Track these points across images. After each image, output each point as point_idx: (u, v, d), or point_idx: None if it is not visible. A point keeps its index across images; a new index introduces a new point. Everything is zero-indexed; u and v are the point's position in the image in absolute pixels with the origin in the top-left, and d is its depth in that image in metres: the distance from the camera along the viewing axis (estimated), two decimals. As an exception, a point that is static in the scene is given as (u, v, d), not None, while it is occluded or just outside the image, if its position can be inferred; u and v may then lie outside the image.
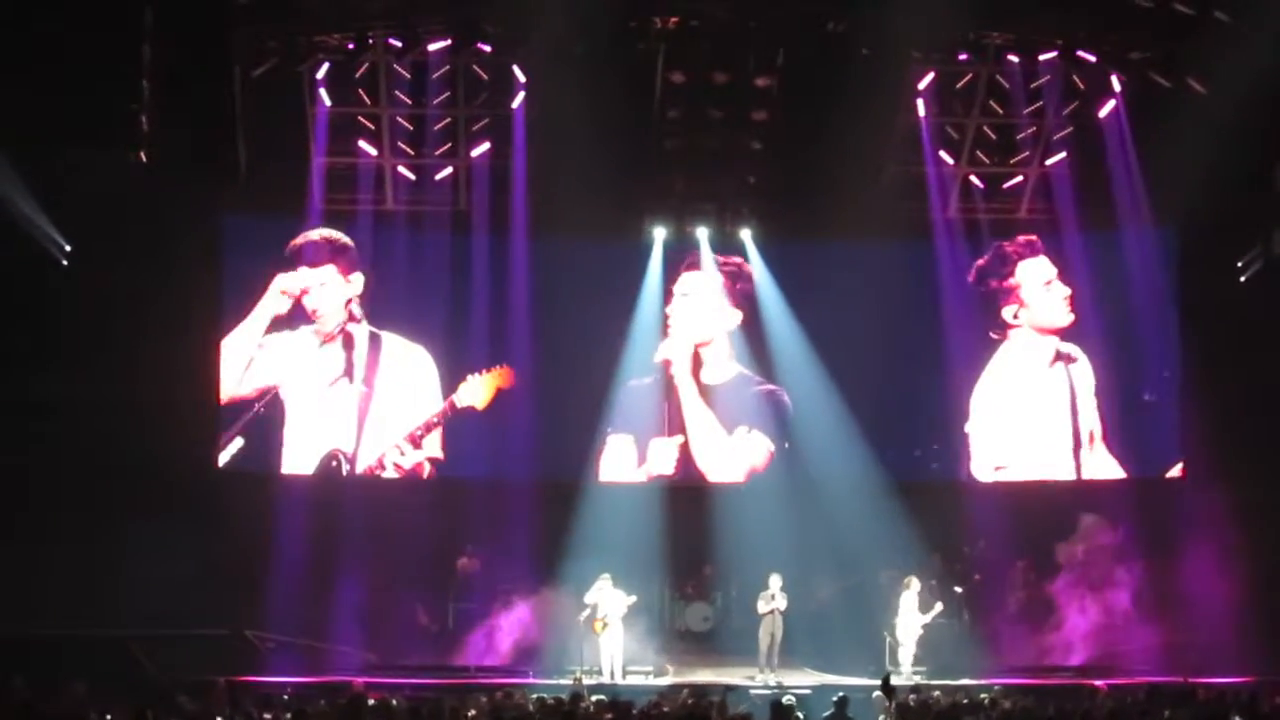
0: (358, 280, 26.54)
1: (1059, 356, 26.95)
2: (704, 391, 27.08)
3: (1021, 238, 27.02)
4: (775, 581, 24.02)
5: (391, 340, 26.60)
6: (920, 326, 26.68)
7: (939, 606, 23.95)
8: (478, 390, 26.64)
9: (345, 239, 26.51)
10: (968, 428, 26.91)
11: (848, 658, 24.31)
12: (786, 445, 26.74)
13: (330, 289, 26.46)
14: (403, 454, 26.51)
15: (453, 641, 25.17)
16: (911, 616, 23.97)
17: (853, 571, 25.49)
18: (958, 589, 24.86)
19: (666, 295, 27.10)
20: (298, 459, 26.37)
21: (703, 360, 27.17)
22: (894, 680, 18.16)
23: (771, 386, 26.90)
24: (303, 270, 26.37)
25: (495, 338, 26.73)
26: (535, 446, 26.45)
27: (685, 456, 26.92)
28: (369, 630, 24.63)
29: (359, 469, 26.45)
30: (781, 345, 26.88)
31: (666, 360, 27.04)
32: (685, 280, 27.24)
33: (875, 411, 26.46)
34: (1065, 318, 26.86)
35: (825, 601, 25.48)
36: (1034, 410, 27.00)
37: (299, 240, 26.33)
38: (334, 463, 26.32)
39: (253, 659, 23.50)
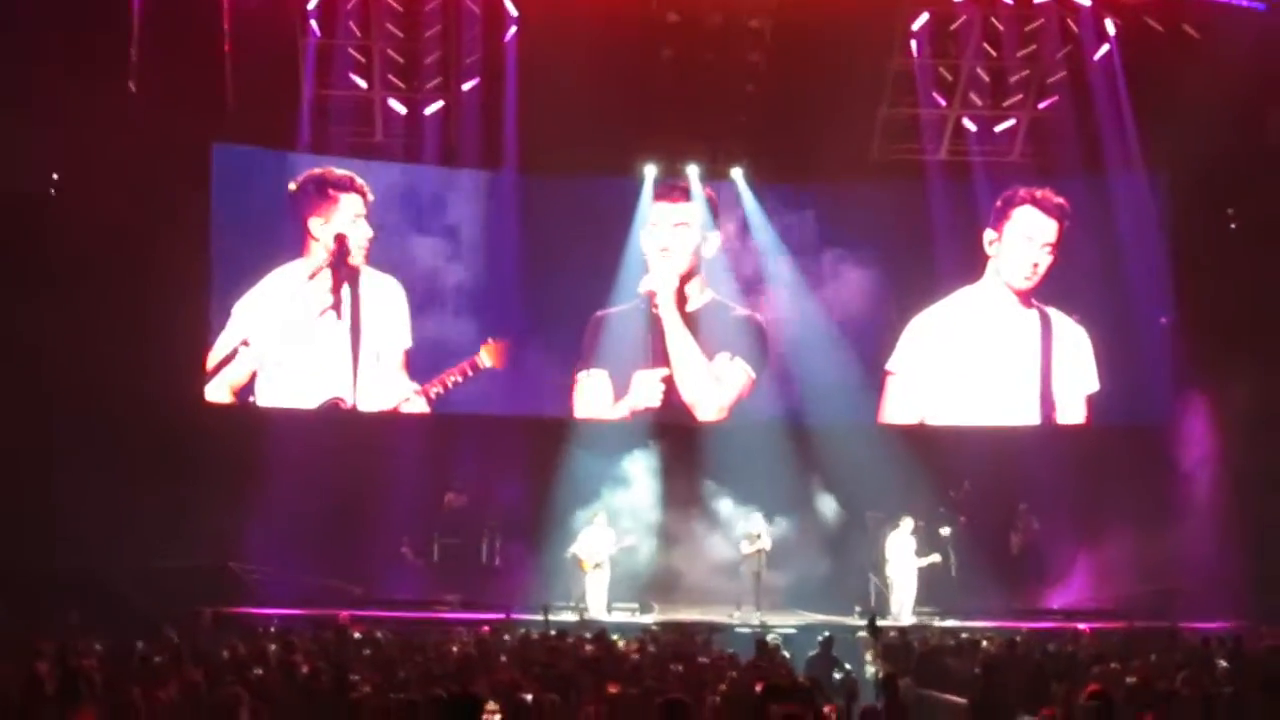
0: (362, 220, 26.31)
1: (1028, 309, 26.89)
2: (687, 320, 26.90)
3: (1025, 190, 26.87)
4: (757, 520, 24.05)
5: (368, 273, 26.31)
6: (910, 269, 26.63)
7: (936, 557, 23.92)
8: (495, 352, 26.49)
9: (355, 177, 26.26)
10: (890, 365, 26.90)
11: (832, 598, 24.35)
12: (766, 371, 26.68)
13: (355, 226, 26.27)
14: (408, 401, 26.34)
15: (438, 576, 25.11)
16: (905, 559, 23.86)
17: (838, 510, 25.58)
18: (944, 531, 24.70)
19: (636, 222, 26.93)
20: (287, 393, 26.08)
21: (685, 290, 26.97)
22: (882, 622, 18.08)
23: (747, 311, 26.84)
24: (333, 205, 26.15)
25: (483, 275, 26.58)
26: (525, 384, 26.45)
27: (670, 388, 26.69)
28: (355, 564, 24.55)
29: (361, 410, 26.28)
30: (766, 277, 26.95)
31: (650, 292, 26.78)
32: (661, 210, 27.00)
33: (858, 349, 26.59)
34: (1028, 279, 26.76)
35: (810, 540, 25.39)
36: (996, 358, 26.96)
37: (317, 173, 26.11)
38: (335, 409, 26.12)
39: (239, 591, 23.43)
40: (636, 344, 26.70)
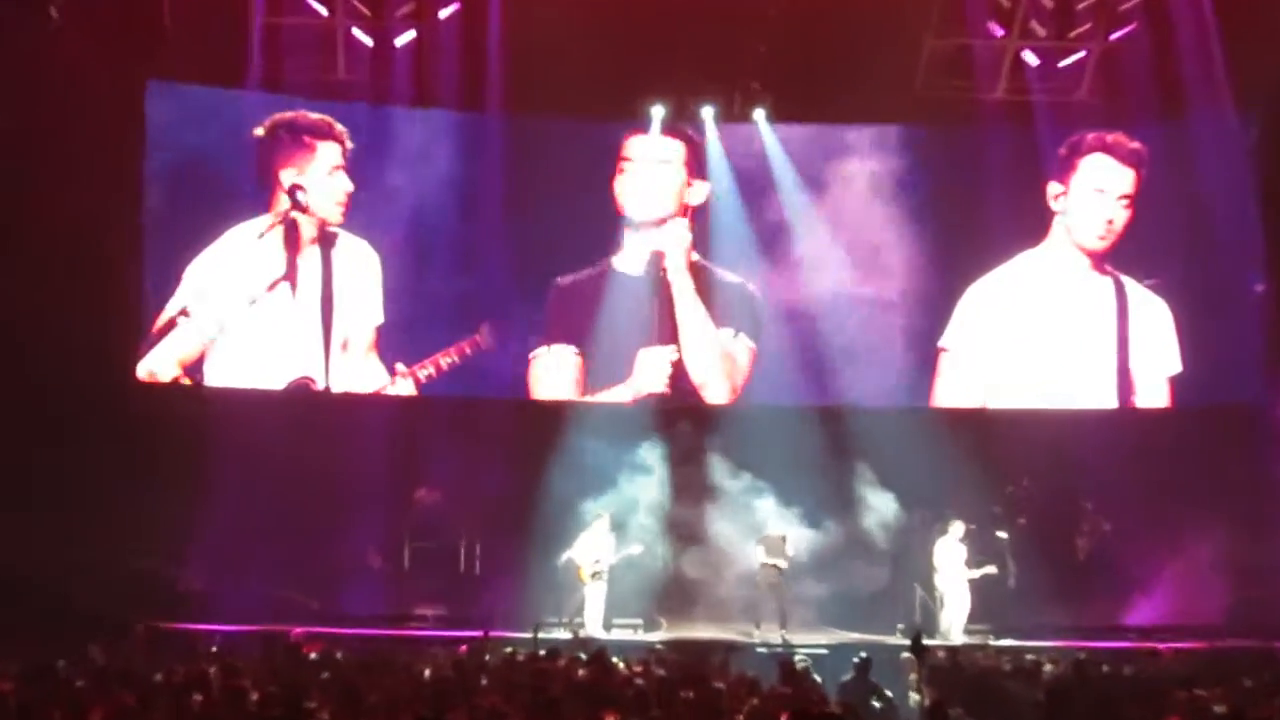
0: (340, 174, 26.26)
1: (1101, 277, 26.82)
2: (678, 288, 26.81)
3: (1095, 135, 26.73)
4: (776, 529, 24.03)
5: (344, 236, 26.27)
6: (962, 228, 26.56)
7: (992, 567, 23.76)
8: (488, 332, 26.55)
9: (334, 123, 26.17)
10: (943, 342, 26.85)
11: (870, 613, 24.40)
12: (780, 348, 26.76)
13: (331, 180, 26.24)
14: (392, 384, 26.33)
15: (409, 587, 25.10)
16: (955, 568, 23.72)
17: (878, 511, 25.28)
18: (1001, 535, 24.65)
19: (616, 167, 26.90)
20: (242, 372, 26.03)
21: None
22: (928, 641, 17.87)
23: (739, 279, 26.83)
24: (308, 154, 26.12)
25: (462, 233, 26.39)
26: (512, 363, 26.51)
27: (677, 368, 26.72)
28: (311, 572, 24.56)
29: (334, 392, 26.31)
30: (792, 238, 26.84)
31: (658, 252, 26.66)
32: (638, 146, 26.91)
33: (904, 322, 26.71)
34: (1101, 239, 26.73)
35: (844, 547, 25.32)
36: (1064, 332, 26.91)
37: (289, 116, 26.01)
38: (302, 391, 26.17)
39: (176, 603, 23.40)
40: (638, 316, 26.60)
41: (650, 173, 26.87)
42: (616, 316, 26.50)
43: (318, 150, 26.01)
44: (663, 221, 26.82)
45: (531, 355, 26.57)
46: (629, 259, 26.87)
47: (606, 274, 26.70)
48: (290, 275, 25.99)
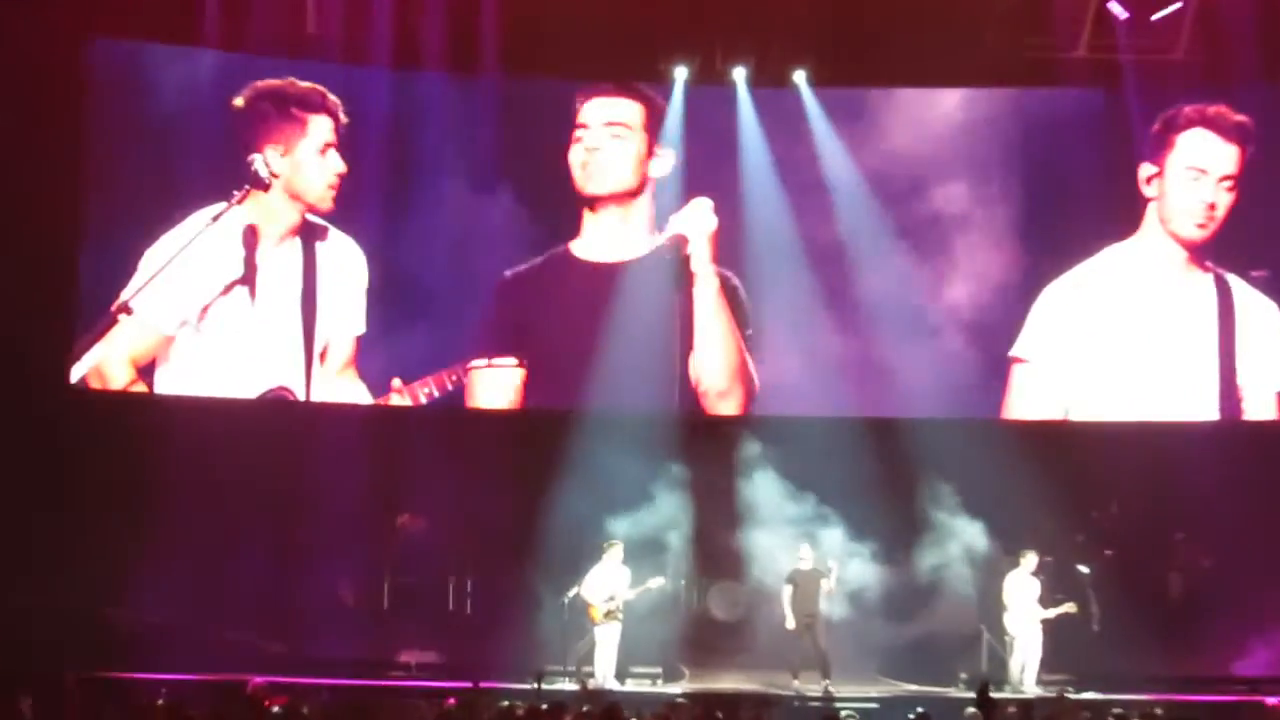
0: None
1: (1201, 272, 26.54)
2: (613, 277, 26.64)
3: (1193, 108, 26.42)
4: (807, 554, 23.69)
5: (331, 234, 26.31)
6: (1039, 216, 26.45)
7: (1071, 605, 23.48)
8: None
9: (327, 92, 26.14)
10: (1016, 351, 26.58)
11: (928, 660, 24.35)
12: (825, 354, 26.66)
13: (323, 161, 26.17)
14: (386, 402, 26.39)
15: (388, 628, 25.13)
16: (1029, 607, 23.40)
17: (937, 541, 25.08)
18: (1083, 569, 24.52)
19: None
20: (193, 377, 25.85)
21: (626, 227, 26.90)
22: (997, 694, 18.18)
23: (714, 267, 26.62)
24: (298, 130, 26.00)
25: (454, 217, 26.40)
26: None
27: (684, 372, 26.61)
28: (274, 611, 24.56)
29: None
30: (838, 218, 26.63)
31: (681, 237, 26.44)
32: (594, 109, 26.73)
33: (970, 325, 26.52)
34: (1201, 227, 26.40)
35: (898, 583, 25.27)
36: (1159, 337, 26.65)
37: (275, 84, 25.97)
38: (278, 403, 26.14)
39: (117, 648, 23.24)
40: (658, 312, 26.39)
41: (606, 141, 26.72)
42: (574, 315, 26.44)
43: (309, 125, 26.03)
44: (623, 198, 26.70)
45: (470, 367, 26.44)
46: (590, 243, 26.79)
47: (563, 262, 26.71)
48: (251, 275, 25.90)
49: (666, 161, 26.63)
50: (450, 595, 25.49)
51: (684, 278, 26.59)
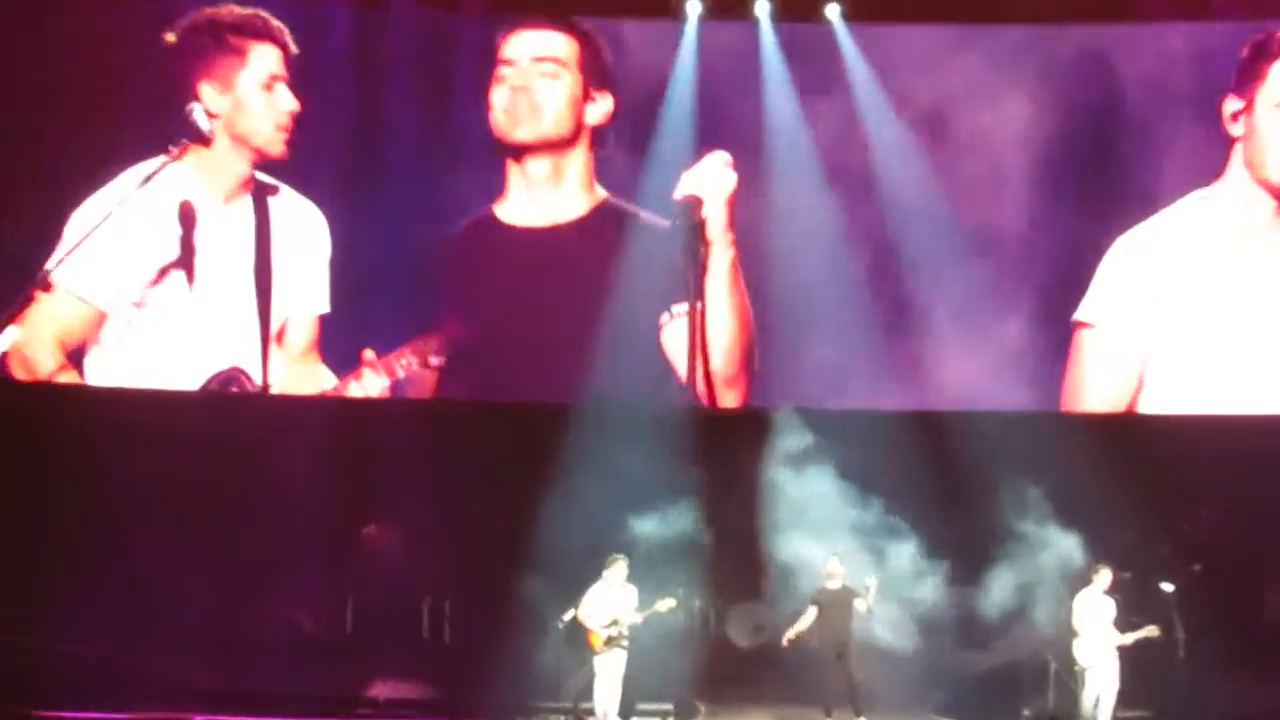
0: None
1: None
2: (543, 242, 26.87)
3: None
4: (836, 570, 23.18)
5: (283, 193, 26.40)
6: (1107, 159, 26.46)
7: (1153, 629, 22.96)
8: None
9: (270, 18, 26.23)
10: (1081, 314, 26.48)
11: (984, 693, 24.46)
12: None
13: (271, 98, 26.25)
14: (358, 379, 26.27)
15: (352, 658, 25.08)
16: (1103, 631, 22.81)
17: (992, 554, 24.97)
18: (1167, 587, 24.51)
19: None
20: (126, 365, 25.88)
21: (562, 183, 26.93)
22: None
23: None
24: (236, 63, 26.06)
25: (427, 174, 26.42)
26: (501, 353, 26.48)
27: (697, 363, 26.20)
28: (219, 639, 24.53)
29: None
30: (872, 160, 26.60)
31: (694, 198, 26.07)
32: (519, 44, 26.77)
33: (1026, 285, 26.47)
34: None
35: (948, 604, 25.29)
36: (1252, 302, 26.55)
37: (207, 14, 26.04)
38: (231, 385, 26.18)
39: (25, 683, 23.04)
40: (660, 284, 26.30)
41: (535, 80, 26.85)
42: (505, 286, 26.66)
43: (249, 55, 26.16)
44: (556, 147, 26.74)
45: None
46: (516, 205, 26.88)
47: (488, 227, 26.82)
48: (193, 243, 26.02)
49: (604, 108, 26.73)
50: (425, 619, 25.62)
51: (696, 246, 26.32)
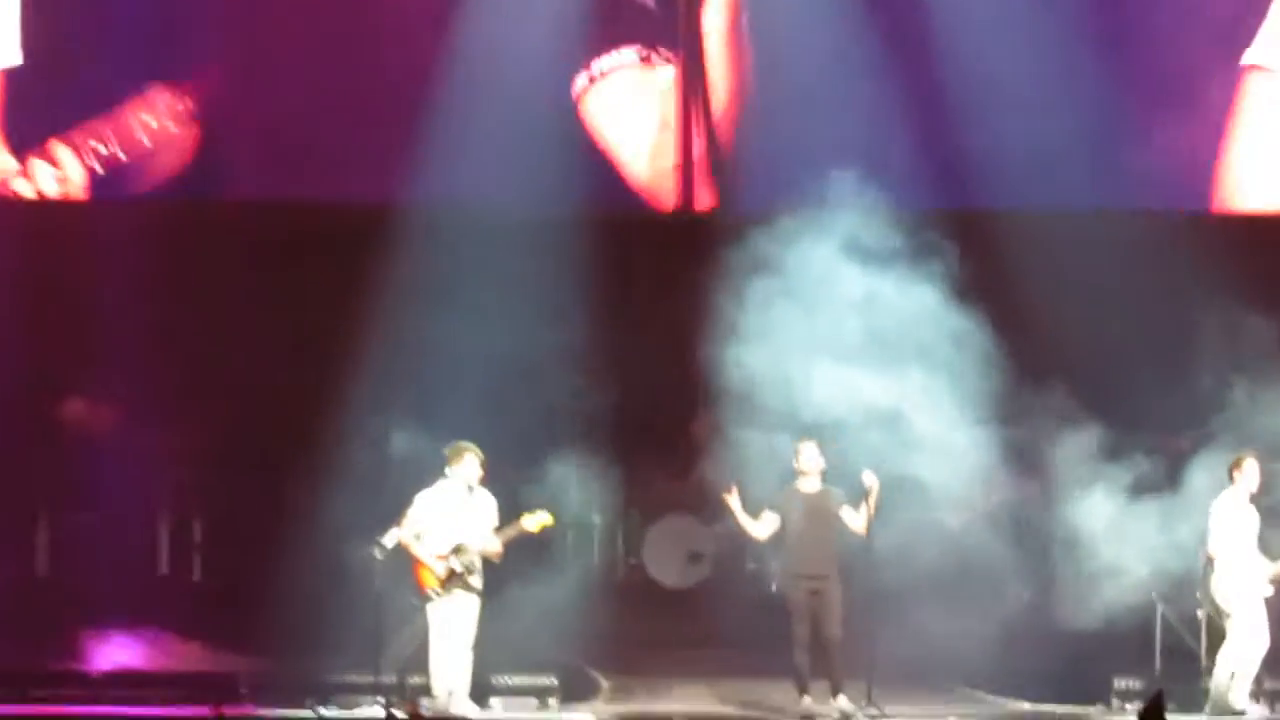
0: None
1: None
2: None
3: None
4: (811, 459, 22.36)
5: None
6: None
7: None
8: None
9: None
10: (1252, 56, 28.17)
11: (1048, 657, 24.56)
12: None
13: None
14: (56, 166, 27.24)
15: (48, 607, 25.39)
16: (1245, 556, 22.38)
17: (1072, 438, 24.95)
18: None
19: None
20: None
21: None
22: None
23: None
24: None
25: None
26: (288, 126, 27.32)
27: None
28: None
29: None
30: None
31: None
32: None
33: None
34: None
35: (999, 523, 25.67)
36: None
37: None
38: None
39: None
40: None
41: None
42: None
43: None
44: None
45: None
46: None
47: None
48: None
49: None
50: (164, 546, 26.23)
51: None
